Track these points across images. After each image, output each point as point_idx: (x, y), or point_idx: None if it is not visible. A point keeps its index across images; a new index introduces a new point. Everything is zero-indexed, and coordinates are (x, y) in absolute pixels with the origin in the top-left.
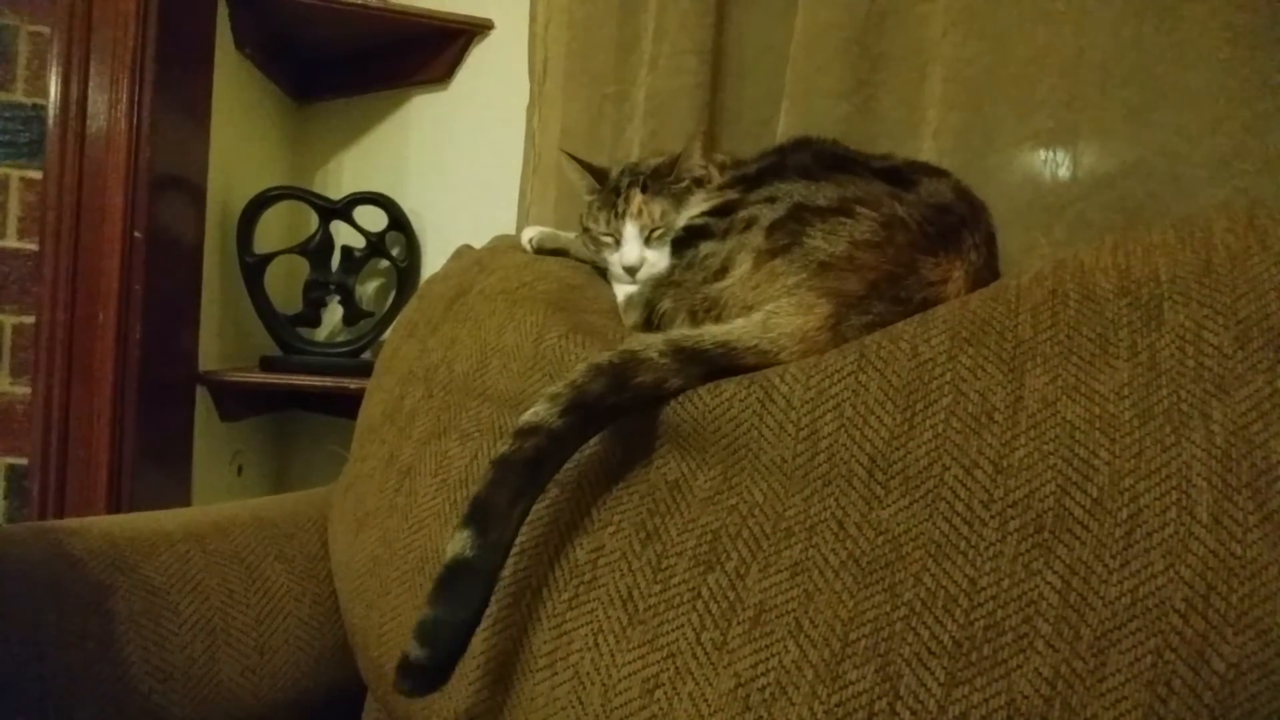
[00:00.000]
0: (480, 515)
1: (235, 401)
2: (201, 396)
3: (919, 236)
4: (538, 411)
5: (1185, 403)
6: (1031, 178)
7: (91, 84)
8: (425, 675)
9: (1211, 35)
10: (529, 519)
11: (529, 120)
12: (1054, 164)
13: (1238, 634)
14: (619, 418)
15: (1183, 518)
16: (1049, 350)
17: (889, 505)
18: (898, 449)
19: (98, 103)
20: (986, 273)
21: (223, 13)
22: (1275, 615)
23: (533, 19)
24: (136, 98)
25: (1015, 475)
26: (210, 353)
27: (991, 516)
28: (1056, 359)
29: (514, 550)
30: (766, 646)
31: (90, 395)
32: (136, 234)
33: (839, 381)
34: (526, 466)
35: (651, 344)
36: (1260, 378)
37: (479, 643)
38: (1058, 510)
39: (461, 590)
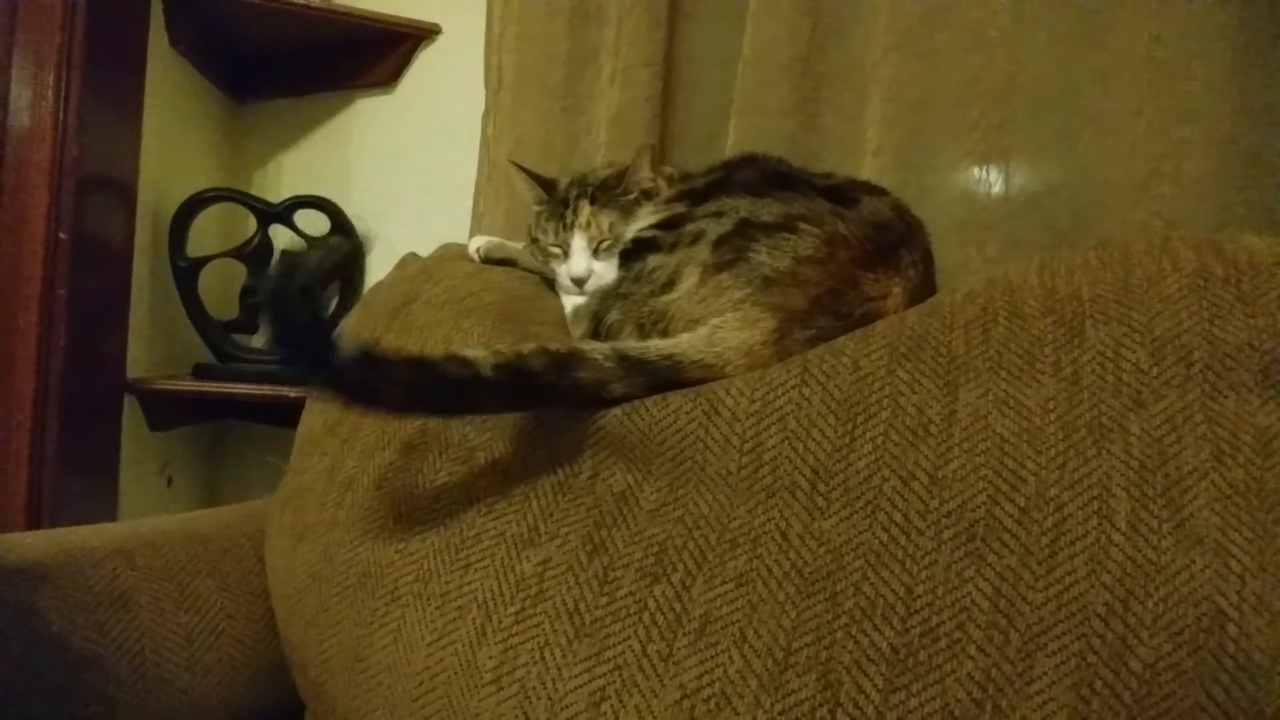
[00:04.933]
0: (370, 358)
1: (166, 410)
2: (130, 405)
3: (860, 253)
4: (477, 352)
5: (1105, 416)
6: (966, 196)
7: (14, 78)
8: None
9: (1133, 65)
10: (472, 529)
11: (484, 128)
12: (987, 183)
13: (1153, 636)
14: (551, 403)
15: (1103, 526)
16: (980, 365)
17: (830, 516)
18: (839, 461)
19: (20, 97)
20: (923, 288)
21: (157, 8)
22: (1188, 618)
23: (489, 27)
24: (63, 93)
25: (949, 486)
26: (140, 360)
27: (927, 526)
28: (987, 374)
29: (460, 563)
30: (711, 657)
31: (9, 405)
32: (61, 235)
33: (783, 395)
34: (438, 379)
35: (599, 348)
36: (1174, 393)
37: (424, 657)
38: (988, 520)
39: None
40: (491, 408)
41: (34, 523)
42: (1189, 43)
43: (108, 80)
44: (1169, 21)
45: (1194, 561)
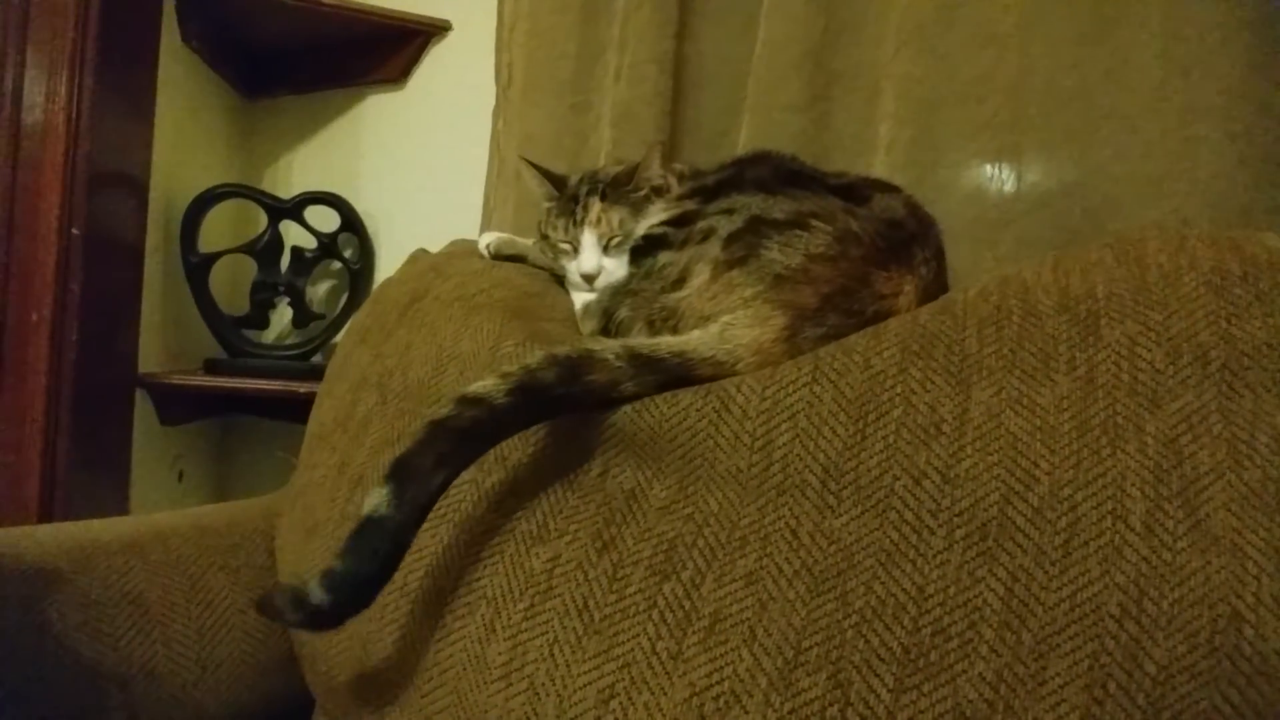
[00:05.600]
0: (402, 474)
1: (177, 405)
2: (141, 400)
3: (872, 251)
4: (485, 385)
5: (1120, 415)
6: (978, 194)
7: (28, 75)
8: (320, 618)
9: (1147, 62)
10: (481, 526)
11: (494, 125)
12: (999, 181)
13: (1168, 637)
14: (566, 412)
15: (1117, 526)
16: (994, 364)
17: (841, 515)
18: (850, 459)
19: (34, 94)
20: (935, 286)
21: (169, 4)
22: (1203, 619)
23: (500, 22)
24: (76, 90)
25: (961, 485)
26: (151, 355)
27: (939, 525)
28: (1001, 372)
29: (469, 559)
30: (721, 655)
31: (22, 399)
32: (74, 231)
33: (794, 393)
34: (460, 435)
35: (609, 347)
36: (1190, 392)
37: (433, 652)
38: (1001, 519)
39: (372, 546)
40: (513, 432)
41: (46, 516)
42: (1204, 38)
43: (120, 77)
44: (1183, 17)
45: (1210, 562)
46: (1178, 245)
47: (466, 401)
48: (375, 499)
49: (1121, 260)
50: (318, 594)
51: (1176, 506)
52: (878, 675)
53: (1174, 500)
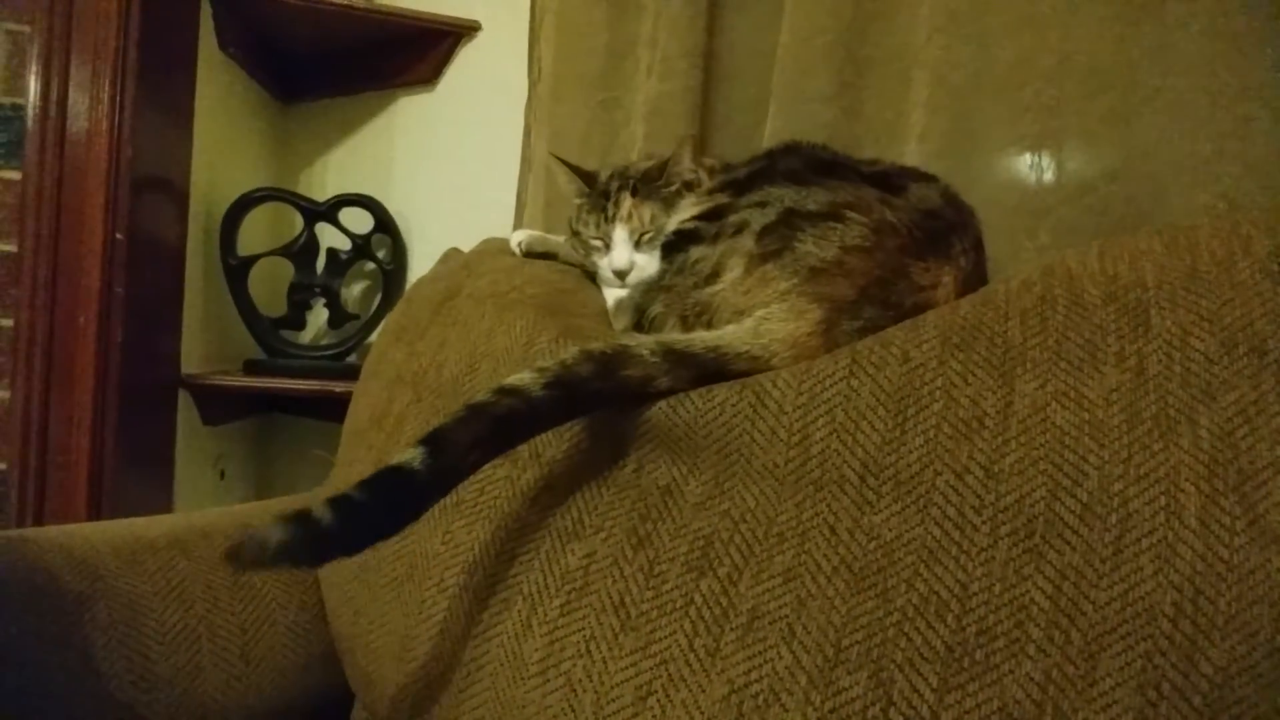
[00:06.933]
0: (437, 440)
1: (218, 405)
2: (184, 400)
3: (909, 242)
4: (523, 377)
5: (1172, 408)
6: (1016, 182)
7: (72, 83)
8: (315, 544)
9: (1195, 39)
10: (517, 522)
11: (525, 121)
12: (1039, 168)
13: (1225, 638)
14: (601, 407)
15: (1171, 522)
16: (1038, 356)
17: (881, 510)
18: (889, 454)
19: (78, 102)
20: (975, 278)
21: (206, 12)
22: (1262, 619)
23: (532, 17)
24: (118, 97)
25: (1006, 480)
26: (193, 356)
27: (983, 521)
28: (1046, 364)
29: (505, 555)
30: (760, 653)
31: (70, 400)
32: (118, 235)
33: (831, 387)
34: (495, 420)
35: (644, 342)
36: (1245, 384)
37: (470, 649)
38: (1048, 515)
39: (393, 491)
40: (548, 425)
41: (95, 514)
42: (1254, 13)
43: (160, 85)
44: None
45: (1270, 560)
46: (1230, 230)
47: (503, 391)
48: (407, 454)
49: (1171, 247)
50: (324, 513)
51: (1233, 502)
52: (921, 674)
53: (1230, 495)
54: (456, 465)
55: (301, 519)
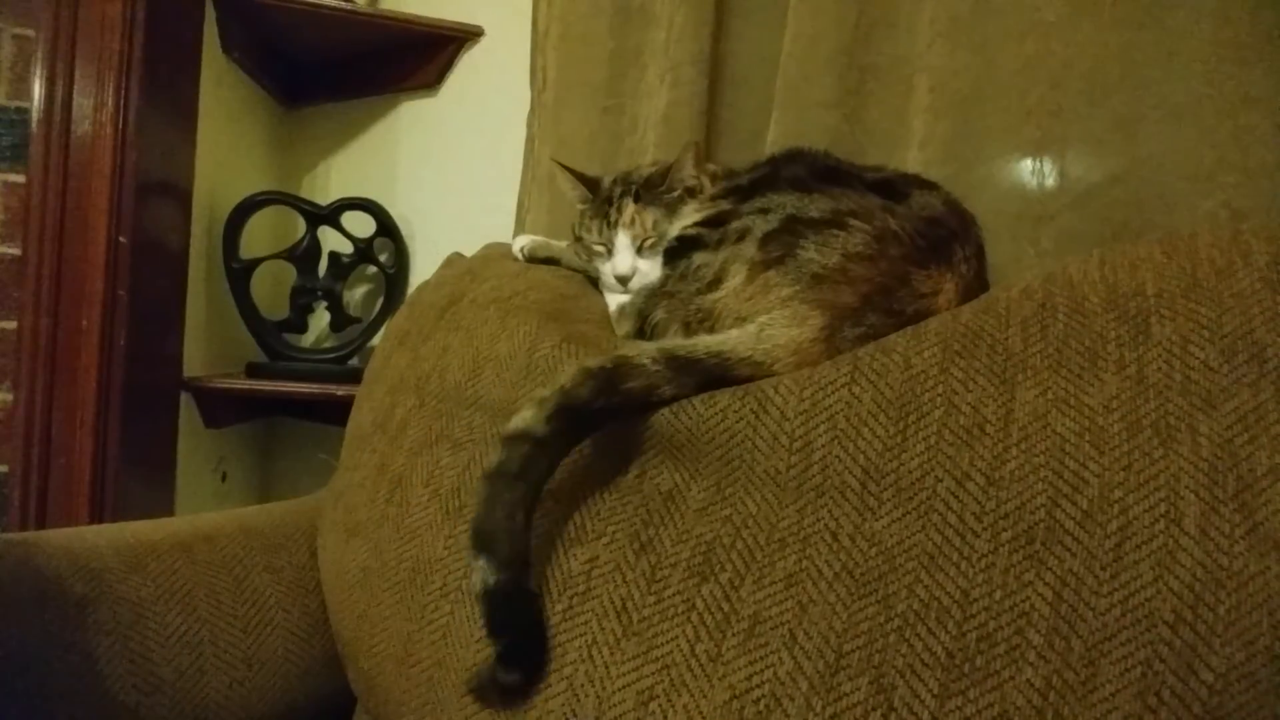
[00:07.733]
0: (485, 539)
1: (220, 408)
2: (186, 403)
3: (911, 249)
4: (525, 417)
5: (1172, 416)
6: (1019, 188)
7: (76, 87)
8: (511, 692)
9: (1198, 47)
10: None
11: (528, 128)
12: (1041, 174)
13: (1225, 644)
14: (608, 422)
15: (1171, 529)
16: (1039, 363)
17: (882, 517)
18: (890, 461)
19: (83, 106)
20: (976, 285)
21: (210, 16)
22: (1262, 626)
23: (534, 27)
24: (122, 101)
25: (1007, 487)
26: (195, 359)
27: (984, 528)
28: (1046, 372)
29: None
30: (761, 658)
31: (73, 402)
32: (121, 239)
33: (833, 394)
34: (516, 479)
35: (645, 351)
36: (1245, 392)
37: (471, 653)
38: (1049, 522)
39: (509, 618)
40: (565, 454)
41: (97, 516)
42: (1259, 22)
43: (165, 89)
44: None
45: (1269, 567)
46: (1230, 239)
47: (511, 440)
48: (479, 576)
49: (1171, 255)
50: (503, 675)
51: (1232, 510)
52: (921, 680)
53: (1230, 503)
54: (516, 542)
55: (495, 683)
